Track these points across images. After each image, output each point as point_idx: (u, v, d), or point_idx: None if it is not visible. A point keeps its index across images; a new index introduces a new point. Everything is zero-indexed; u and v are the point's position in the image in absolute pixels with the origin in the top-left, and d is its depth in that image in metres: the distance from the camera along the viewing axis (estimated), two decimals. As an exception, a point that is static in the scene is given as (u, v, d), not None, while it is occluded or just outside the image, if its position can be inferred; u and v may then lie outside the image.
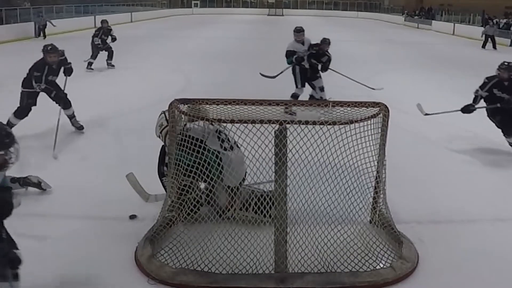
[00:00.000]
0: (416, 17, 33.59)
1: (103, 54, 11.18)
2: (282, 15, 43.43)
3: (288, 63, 7.51)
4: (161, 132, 3.90)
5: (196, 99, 3.60)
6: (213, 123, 3.42)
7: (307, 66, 7.43)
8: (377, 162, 3.43)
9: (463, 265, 3.31)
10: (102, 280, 3.03)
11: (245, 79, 10.30)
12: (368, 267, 3.14)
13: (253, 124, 3.02)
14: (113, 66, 11.32)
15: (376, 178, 3.46)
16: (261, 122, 3.00)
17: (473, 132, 6.55)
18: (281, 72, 7.90)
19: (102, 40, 11.15)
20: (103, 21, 11.65)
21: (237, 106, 3.33)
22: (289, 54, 7.54)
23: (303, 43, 7.57)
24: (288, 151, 3.04)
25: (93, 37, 11.20)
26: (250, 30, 26.00)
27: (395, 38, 22.90)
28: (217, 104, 3.45)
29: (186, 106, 3.35)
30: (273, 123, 2.98)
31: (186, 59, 13.37)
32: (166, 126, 3.66)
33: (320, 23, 33.07)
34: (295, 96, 7.47)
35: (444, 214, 4.09)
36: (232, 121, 3.05)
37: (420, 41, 21.89)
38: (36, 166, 4.61)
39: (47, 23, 18.11)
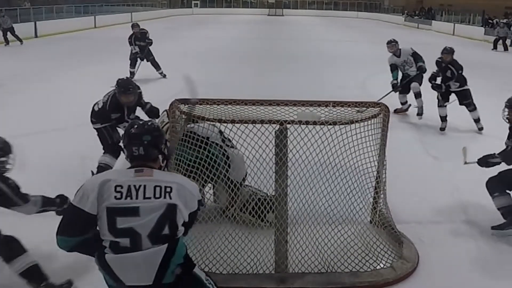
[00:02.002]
0: (416, 17, 33.58)
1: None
2: (282, 15, 43.42)
3: (392, 87, 7.31)
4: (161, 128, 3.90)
5: (196, 99, 3.60)
6: (215, 124, 3.43)
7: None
8: (378, 162, 3.43)
9: (463, 265, 3.32)
10: (102, 279, 3.02)
11: (245, 79, 10.30)
12: (369, 267, 3.14)
13: (254, 124, 3.02)
14: (164, 75, 10.28)
15: (377, 178, 3.46)
16: (262, 122, 3.00)
17: (474, 132, 6.55)
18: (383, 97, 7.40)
19: (140, 47, 9.86)
20: (133, 25, 10.11)
21: (237, 106, 3.33)
22: (392, 68, 7.40)
23: (398, 55, 7.35)
24: (288, 151, 3.04)
25: (130, 45, 9.98)
26: (250, 30, 26.00)
27: (395, 38, 22.86)
28: (217, 104, 3.45)
29: (186, 106, 3.36)
30: (274, 123, 2.99)
31: (186, 59, 13.37)
32: (167, 122, 3.66)
33: (320, 23, 33.08)
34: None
35: (445, 214, 4.09)
36: (232, 121, 3.06)
37: (420, 41, 21.84)
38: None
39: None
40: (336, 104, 3.37)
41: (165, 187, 1.98)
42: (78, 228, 2.00)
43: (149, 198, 1.95)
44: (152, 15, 34.17)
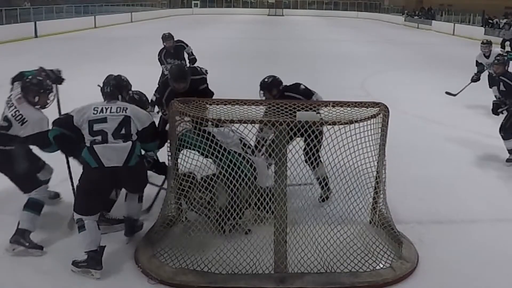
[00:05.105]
0: (416, 17, 33.56)
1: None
2: (282, 15, 43.43)
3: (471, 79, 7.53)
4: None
5: (196, 99, 3.60)
6: (234, 132, 3.46)
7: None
8: (377, 162, 3.43)
9: (463, 265, 3.31)
10: (102, 279, 3.04)
11: (245, 79, 10.28)
12: (368, 267, 3.14)
13: (253, 125, 3.02)
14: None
15: (376, 178, 3.46)
16: (261, 122, 3.00)
17: (473, 132, 6.55)
18: (463, 89, 7.78)
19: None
20: (164, 37, 7.29)
21: (237, 106, 3.33)
22: (477, 64, 7.56)
23: (488, 56, 7.34)
24: (288, 151, 3.04)
25: (161, 64, 7.33)
26: (250, 30, 26.01)
27: (395, 38, 22.91)
28: (217, 104, 3.46)
29: (186, 106, 3.36)
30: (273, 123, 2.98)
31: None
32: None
33: (320, 23, 33.09)
34: None
35: (444, 215, 4.09)
36: (232, 121, 3.06)
37: (420, 41, 21.89)
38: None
39: None
40: (335, 104, 3.38)
41: (123, 107, 3.22)
42: (65, 125, 3.27)
43: (113, 112, 3.18)
44: (152, 15, 34.18)
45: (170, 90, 4.32)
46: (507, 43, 17.94)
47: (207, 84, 4.73)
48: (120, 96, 3.37)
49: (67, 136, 3.29)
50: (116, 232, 3.57)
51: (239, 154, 3.40)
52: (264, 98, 4.12)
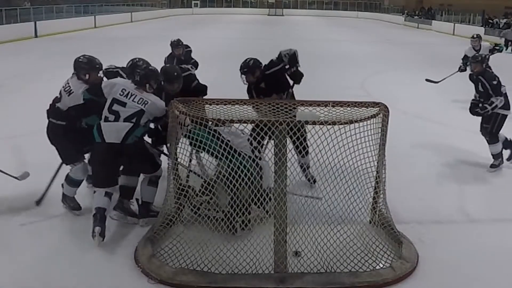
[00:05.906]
0: (416, 17, 33.58)
1: None
2: (282, 15, 43.44)
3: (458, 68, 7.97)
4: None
5: (196, 98, 3.61)
6: (243, 132, 3.48)
7: None
8: (377, 162, 3.43)
9: (463, 265, 3.31)
10: (102, 279, 3.04)
11: (245, 79, 10.29)
12: (368, 267, 3.14)
13: (253, 125, 3.02)
14: None
15: (376, 178, 3.46)
16: (261, 122, 3.00)
17: (473, 132, 6.54)
18: (446, 78, 8.14)
19: None
20: (174, 44, 6.77)
21: (237, 106, 3.34)
22: (464, 57, 7.78)
23: (478, 50, 7.47)
24: (287, 151, 3.04)
25: None
26: (250, 30, 26.01)
27: (395, 38, 22.91)
28: (217, 104, 3.46)
29: (186, 105, 3.36)
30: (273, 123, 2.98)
31: (186, 59, 13.34)
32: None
33: (320, 23, 33.09)
34: None
35: (445, 215, 4.09)
36: (232, 121, 3.06)
37: (420, 41, 21.89)
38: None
39: None
40: (335, 104, 3.37)
41: (144, 101, 3.49)
42: (96, 92, 3.58)
43: (134, 102, 3.47)
44: (152, 15, 34.19)
45: (165, 94, 4.13)
46: (509, 43, 17.99)
47: (197, 80, 4.67)
48: (147, 85, 3.54)
49: (95, 101, 3.56)
50: (117, 232, 3.57)
51: (250, 157, 3.41)
52: (246, 82, 4.21)
